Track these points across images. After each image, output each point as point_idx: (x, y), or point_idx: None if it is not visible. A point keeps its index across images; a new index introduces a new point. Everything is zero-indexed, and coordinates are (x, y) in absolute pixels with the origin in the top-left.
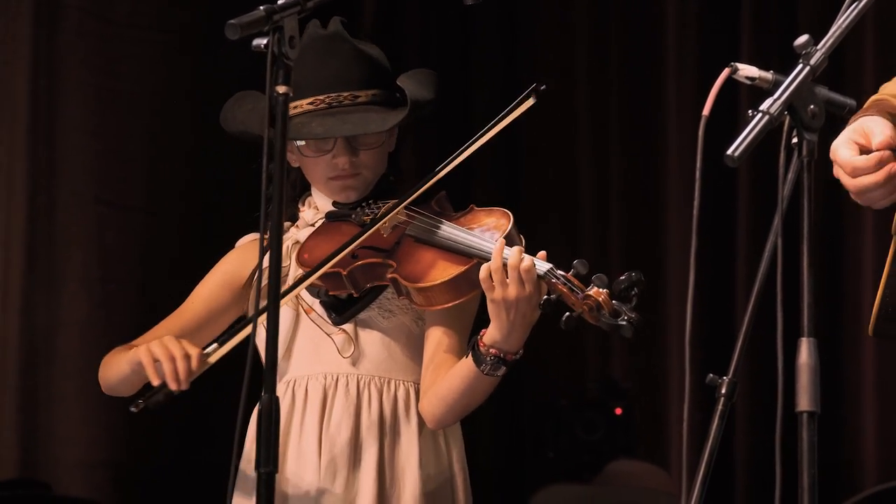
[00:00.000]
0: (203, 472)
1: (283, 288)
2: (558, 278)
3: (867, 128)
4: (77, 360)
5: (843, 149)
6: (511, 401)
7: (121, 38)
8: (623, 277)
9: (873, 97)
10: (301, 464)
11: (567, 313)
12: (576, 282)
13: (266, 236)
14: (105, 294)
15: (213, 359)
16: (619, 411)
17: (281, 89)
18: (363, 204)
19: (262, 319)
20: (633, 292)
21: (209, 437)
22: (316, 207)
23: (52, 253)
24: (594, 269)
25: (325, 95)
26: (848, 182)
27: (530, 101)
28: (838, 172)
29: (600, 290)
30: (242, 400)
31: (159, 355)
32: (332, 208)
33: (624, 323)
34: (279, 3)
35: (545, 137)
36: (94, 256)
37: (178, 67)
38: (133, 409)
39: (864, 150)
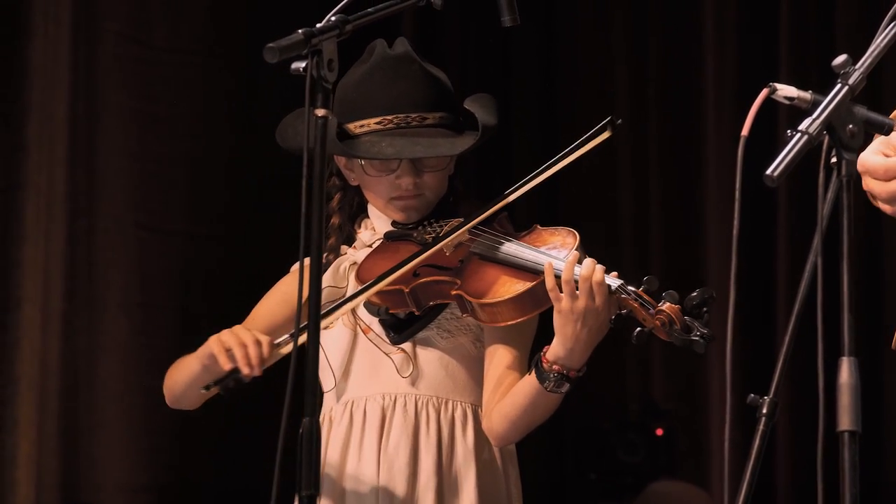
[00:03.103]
0: (245, 494)
1: (342, 300)
2: (629, 294)
3: None
4: (118, 385)
5: (872, 156)
6: (553, 423)
7: (160, 61)
8: (695, 294)
9: (894, 114)
10: (360, 486)
11: (638, 328)
12: (647, 297)
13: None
14: (145, 318)
15: (284, 350)
16: (660, 432)
17: (320, 112)
18: (424, 223)
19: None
20: (704, 309)
21: (251, 459)
22: (373, 229)
23: (93, 277)
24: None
25: (394, 116)
26: (879, 187)
27: (606, 134)
28: (868, 182)
29: (672, 305)
30: (283, 422)
31: (230, 343)
32: (391, 229)
33: (697, 338)
34: (318, 26)
35: (584, 157)
36: (135, 280)
37: (218, 90)
38: (203, 389)
39: None
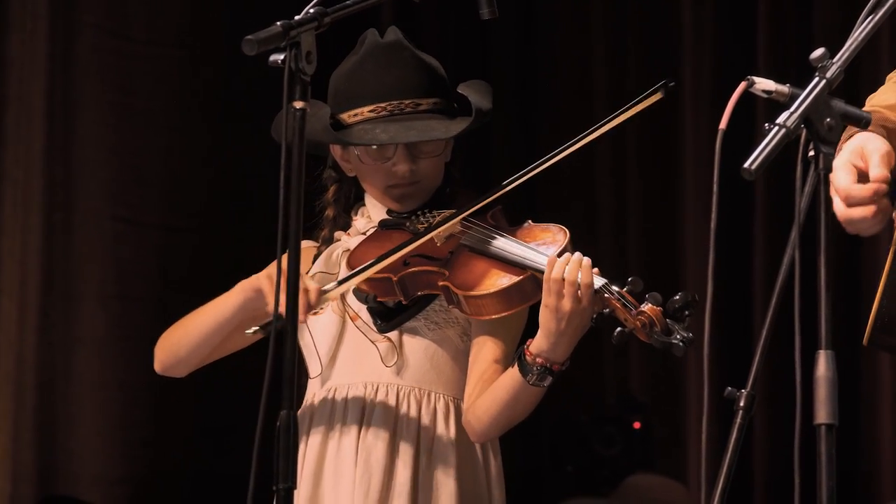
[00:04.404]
0: (221, 486)
1: (329, 285)
2: (612, 294)
3: (867, 151)
4: (94, 377)
5: (840, 172)
6: (530, 415)
7: (137, 54)
8: (677, 297)
9: (864, 109)
10: (338, 473)
11: (619, 328)
12: (630, 298)
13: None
14: (122, 311)
15: (332, 295)
16: (637, 425)
17: (298, 105)
18: (418, 213)
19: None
20: (686, 312)
21: (227, 451)
22: (369, 217)
23: (69, 270)
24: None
25: (387, 103)
26: (840, 209)
27: (657, 96)
28: (833, 194)
29: (654, 307)
30: (261, 414)
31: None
32: (386, 217)
33: (676, 342)
34: (296, 18)
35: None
36: (111, 273)
37: (195, 83)
38: (248, 332)
39: (862, 173)
